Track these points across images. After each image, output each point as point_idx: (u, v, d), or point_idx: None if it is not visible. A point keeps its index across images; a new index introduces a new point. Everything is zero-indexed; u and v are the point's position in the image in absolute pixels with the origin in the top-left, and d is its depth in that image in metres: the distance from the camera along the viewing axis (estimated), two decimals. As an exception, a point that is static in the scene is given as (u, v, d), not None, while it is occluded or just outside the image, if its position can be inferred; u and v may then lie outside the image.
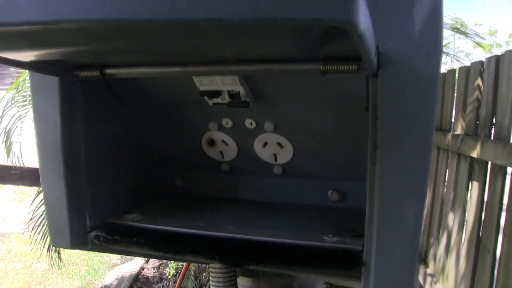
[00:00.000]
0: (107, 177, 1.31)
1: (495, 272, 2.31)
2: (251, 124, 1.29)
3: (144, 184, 1.52)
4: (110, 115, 1.33)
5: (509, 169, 2.26)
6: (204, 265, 3.11)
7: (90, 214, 1.25)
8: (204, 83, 1.14)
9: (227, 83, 1.13)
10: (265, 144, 1.34)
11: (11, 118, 3.28)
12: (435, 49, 0.90)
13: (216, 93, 1.16)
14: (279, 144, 1.32)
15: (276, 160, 1.36)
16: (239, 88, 1.14)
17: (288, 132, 1.28)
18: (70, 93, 1.18)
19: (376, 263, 0.97)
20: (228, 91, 1.16)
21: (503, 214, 2.26)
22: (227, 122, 1.32)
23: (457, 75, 2.60)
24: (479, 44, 5.32)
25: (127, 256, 3.83)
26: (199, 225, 1.25)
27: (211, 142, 1.39)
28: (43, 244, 2.89)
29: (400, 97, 0.92)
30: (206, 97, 1.19)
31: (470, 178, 2.59)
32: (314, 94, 1.16)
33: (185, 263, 2.80)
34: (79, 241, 1.24)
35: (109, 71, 1.10)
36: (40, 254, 2.96)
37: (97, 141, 1.27)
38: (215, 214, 1.34)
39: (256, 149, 1.35)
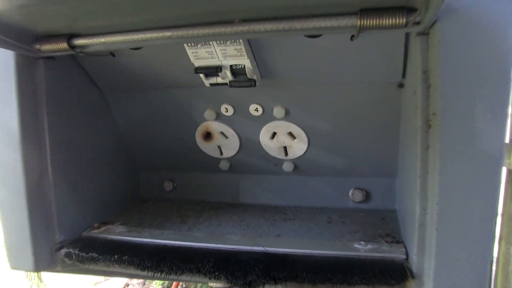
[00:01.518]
0: (79, 180, 1.06)
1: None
2: (256, 110, 1.06)
3: (126, 189, 1.27)
4: (82, 104, 1.08)
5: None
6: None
7: (59, 227, 0.99)
8: (200, 56, 0.91)
9: (229, 55, 0.90)
10: (274, 135, 1.11)
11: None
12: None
13: (215, 69, 0.93)
14: (290, 134, 1.09)
15: (286, 154, 1.13)
16: (245, 62, 0.91)
17: (302, 119, 1.06)
18: (31, 74, 0.95)
19: (436, 275, 0.74)
20: (231, 67, 0.93)
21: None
22: (227, 109, 1.08)
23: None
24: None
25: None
26: (197, 236, 1.01)
27: (207, 135, 1.16)
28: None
29: (463, 58, 0.70)
30: (202, 76, 0.96)
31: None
32: (334, 69, 0.93)
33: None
34: (46, 261, 0.99)
35: (79, 41, 0.86)
36: (17, 274, 2.67)
37: (66, 135, 1.02)
38: (214, 222, 1.10)
39: (262, 141, 1.12)
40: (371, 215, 1.10)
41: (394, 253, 0.87)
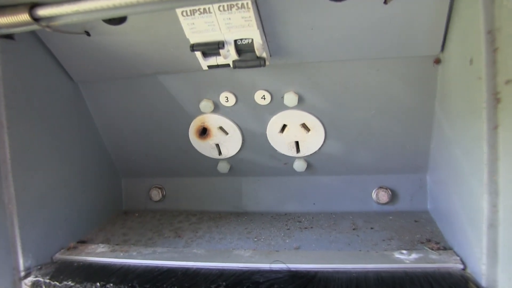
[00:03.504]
0: (49, 190, 0.86)
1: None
2: (263, 98, 0.89)
3: (106, 200, 1.07)
4: (50, 97, 0.89)
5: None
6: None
7: (24, 249, 0.80)
8: (198, 28, 0.73)
9: (235, 26, 0.72)
10: (284, 127, 0.93)
11: None
12: None
13: (217, 46, 0.75)
14: (304, 126, 0.92)
15: (298, 151, 0.96)
16: (253, 34, 0.74)
17: (318, 106, 0.89)
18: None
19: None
20: (235, 42, 0.75)
21: None
22: (228, 99, 0.90)
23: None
24: None
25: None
26: (198, 253, 0.82)
27: (203, 132, 0.98)
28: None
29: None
30: (199, 55, 0.78)
31: None
32: (360, 42, 0.77)
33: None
34: (8, 293, 0.78)
35: (45, 11, 0.68)
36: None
37: (30, 135, 0.82)
38: (216, 235, 0.92)
39: (269, 136, 0.95)
40: (401, 218, 0.93)
41: (448, 263, 0.71)
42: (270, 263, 0.74)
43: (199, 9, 0.70)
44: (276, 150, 0.97)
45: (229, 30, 0.73)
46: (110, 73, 0.90)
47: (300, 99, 0.88)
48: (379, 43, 0.77)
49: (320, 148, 0.94)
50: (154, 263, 0.80)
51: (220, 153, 0.99)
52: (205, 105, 0.92)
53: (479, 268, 0.64)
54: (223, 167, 1.02)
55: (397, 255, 0.75)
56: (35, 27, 0.70)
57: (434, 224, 0.89)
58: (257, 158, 0.99)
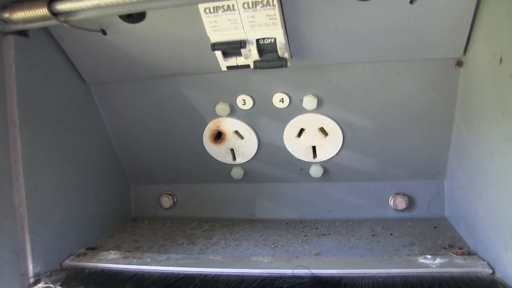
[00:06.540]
0: (59, 194, 0.83)
1: None
2: (282, 101, 0.87)
3: (115, 206, 1.04)
4: (62, 98, 0.86)
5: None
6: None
7: (34, 255, 0.76)
8: (220, 26, 0.72)
9: (259, 24, 0.71)
10: (301, 132, 0.92)
11: None
12: None
13: (239, 45, 0.73)
14: (322, 130, 0.90)
15: (315, 156, 0.94)
16: (277, 33, 0.72)
17: (337, 110, 0.87)
18: (-4, 55, 0.73)
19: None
20: (257, 41, 0.74)
21: None
22: (245, 101, 0.89)
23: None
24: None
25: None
26: (215, 260, 0.80)
27: (218, 136, 0.95)
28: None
29: None
30: (219, 55, 0.76)
31: None
32: (384, 43, 0.76)
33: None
34: (16, 301, 0.74)
35: (63, 5, 0.66)
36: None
37: (42, 136, 0.80)
38: (231, 242, 0.89)
39: (286, 141, 0.93)
40: (420, 224, 0.91)
41: (475, 267, 0.69)
42: (293, 269, 0.71)
43: (222, 6, 0.69)
44: (293, 155, 0.95)
45: (252, 28, 0.71)
46: (123, 75, 0.88)
47: (319, 102, 0.86)
48: (402, 45, 0.76)
49: (337, 153, 0.92)
50: (170, 269, 0.77)
51: (234, 158, 0.97)
52: (221, 108, 0.90)
53: (509, 272, 0.62)
54: (237, 173, 1.00)
55: (421, 260, 0.73)
56: (53, 22, 0.69)
57: (454, 230, 0.87)
58: (273, 164, 0.97)
